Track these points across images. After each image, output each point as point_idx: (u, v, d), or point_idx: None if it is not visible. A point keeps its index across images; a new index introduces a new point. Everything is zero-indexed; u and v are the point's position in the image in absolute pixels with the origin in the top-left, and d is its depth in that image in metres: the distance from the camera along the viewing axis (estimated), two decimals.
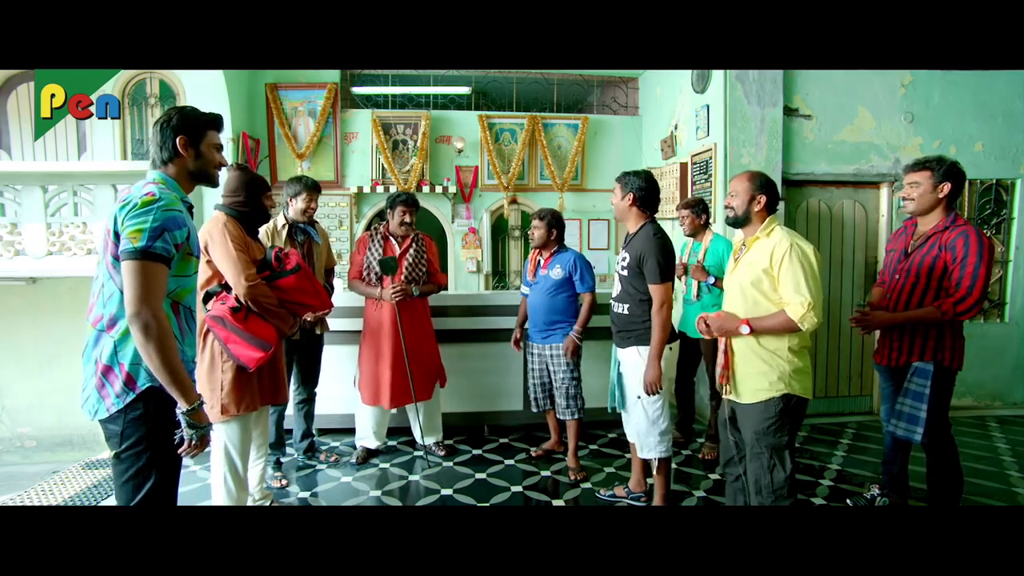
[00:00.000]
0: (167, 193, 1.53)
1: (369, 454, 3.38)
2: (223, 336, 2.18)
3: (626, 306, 2.54)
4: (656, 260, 2.39)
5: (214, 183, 1.74)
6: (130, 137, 5.11)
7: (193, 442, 1.52)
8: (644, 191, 2.49)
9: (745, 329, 2.00)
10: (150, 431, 1.51)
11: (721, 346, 2.13)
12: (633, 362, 2.52)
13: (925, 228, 2.39)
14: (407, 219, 3.21)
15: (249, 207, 2.42)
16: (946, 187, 2.29)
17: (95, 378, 1.51)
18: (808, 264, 1.93)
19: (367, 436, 3.37)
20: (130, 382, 1.49)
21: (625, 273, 2.53)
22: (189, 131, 1.62)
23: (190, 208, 1.64)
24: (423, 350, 3.27)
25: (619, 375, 2.66)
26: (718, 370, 2.15)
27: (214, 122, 1.69)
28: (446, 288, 3.42)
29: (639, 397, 2.50)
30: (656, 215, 2.60)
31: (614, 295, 2.64)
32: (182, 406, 1.49)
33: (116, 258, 1.47)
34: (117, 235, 1.47)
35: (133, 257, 1.43)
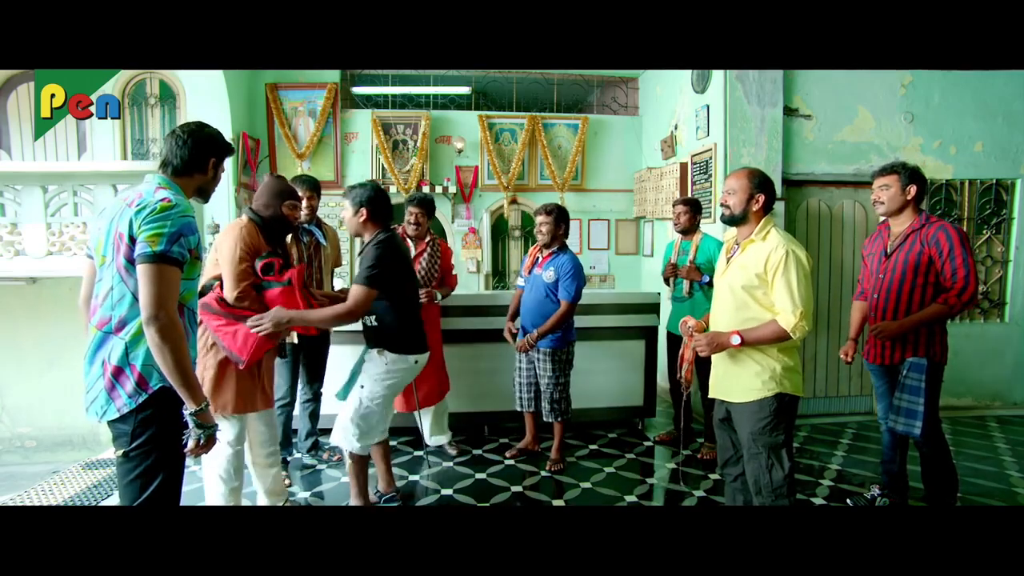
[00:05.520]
0: (182, 199, 1.59)
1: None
2: (215, 323, 2.20)
3: (373, 316, 2.45)
4: (369, 263, 2.31)
5: (207, 200, 1.83)
6: (130, 137, 5.11)
7: (201, 442, 1.57)
8: (374, 203, 2.40)
9: (736, 340, 1.98)
10: (159, 430, 1.54)
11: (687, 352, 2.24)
12: (371, 360, 2.48)
13: (900, 228, 2.49)
14: (413, 220, 3.19)
15: (271, 216, 2.43)
16: (913, 189, 2.44)
17: (104, 379, 1.52)
18: (803, 272, 1.92)
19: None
20: (142, 383, 1.52)
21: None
22: (219, 154, 1.74)
23: None
24: (434, 355, 3.25)
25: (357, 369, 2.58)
26: (685, 365, 2.27)
27: (231, 150, 1.81)
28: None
29: (362, 387, 2.46)
30: (388, 225, 2.50)
31: None
32: (190, 407, 1.53)
33: (130, 261, 1.50)
34: (132, 239, 1.50)
35: (151, 261, 1.47)
